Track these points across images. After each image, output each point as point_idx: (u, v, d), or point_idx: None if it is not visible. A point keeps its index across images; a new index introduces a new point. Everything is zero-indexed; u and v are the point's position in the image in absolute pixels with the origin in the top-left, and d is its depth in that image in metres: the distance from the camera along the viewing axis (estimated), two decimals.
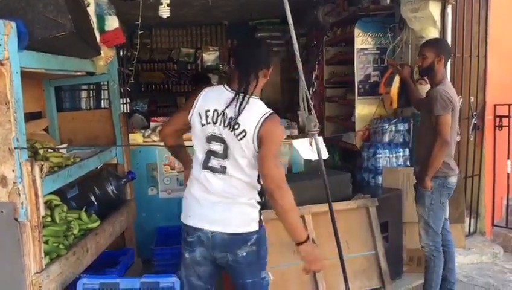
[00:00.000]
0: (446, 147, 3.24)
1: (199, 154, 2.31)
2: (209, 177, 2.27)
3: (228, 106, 2.20)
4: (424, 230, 3.44)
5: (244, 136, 2.18)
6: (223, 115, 2.22)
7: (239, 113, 2.16)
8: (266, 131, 2.16)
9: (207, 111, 2.25)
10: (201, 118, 2.27)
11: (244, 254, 2.26)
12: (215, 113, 2.23)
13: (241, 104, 2.18)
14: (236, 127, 2.18)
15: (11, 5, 2.32)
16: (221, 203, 2.25)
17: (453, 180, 3.40)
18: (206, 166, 2.27)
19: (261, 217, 2.33)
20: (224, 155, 2.23)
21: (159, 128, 4.73)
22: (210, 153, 2.26)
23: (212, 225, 2.25)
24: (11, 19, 2.12)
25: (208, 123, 2.25)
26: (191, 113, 2.30)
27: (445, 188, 3.38)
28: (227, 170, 2.24)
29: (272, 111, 2.23)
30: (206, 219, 2.27)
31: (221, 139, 2.22)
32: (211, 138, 2.25)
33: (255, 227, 2.28)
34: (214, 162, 2.26)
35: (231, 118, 2.19)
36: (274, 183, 2.15)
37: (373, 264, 3.68)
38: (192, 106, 2.30)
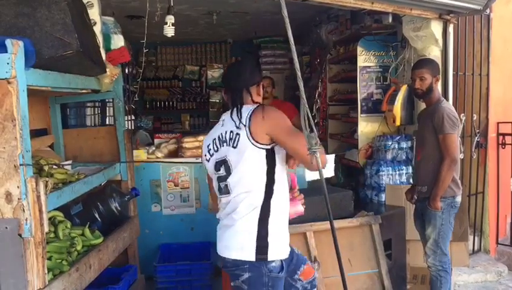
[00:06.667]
0: (455, 166, 3.25)
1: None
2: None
3: (224, 124, 2.27)
4: (432, 250, 3.37)
5: (238, 139, 2.15)
6: (220, 136, 2.25)
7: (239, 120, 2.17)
8: (257, 121, 2.13)
9: (208, 145, 2.33)
10: (205, 155, 2.34)
11: None
12: (214, 141, 2.29)
13: (237, 113, 2.20)
14: (232, 136, 2.19)
15: (19, 24, 2.36)
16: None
17: (460, 199, 3.39)
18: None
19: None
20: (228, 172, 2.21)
21: (163, 145, 4.77)
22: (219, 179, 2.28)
23: None
24: (19, 38, 2.16)
25: (212, 155, 2.30)
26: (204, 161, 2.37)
27: (453, 207, 3.34)
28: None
29: (260, 104, 2.27)
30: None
31: (224, 161, 2.23)
32: (216, 165, 2.27)
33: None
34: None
35: (231, 131, 2.19)
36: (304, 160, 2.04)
37: (376, 283, 3.66)
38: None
